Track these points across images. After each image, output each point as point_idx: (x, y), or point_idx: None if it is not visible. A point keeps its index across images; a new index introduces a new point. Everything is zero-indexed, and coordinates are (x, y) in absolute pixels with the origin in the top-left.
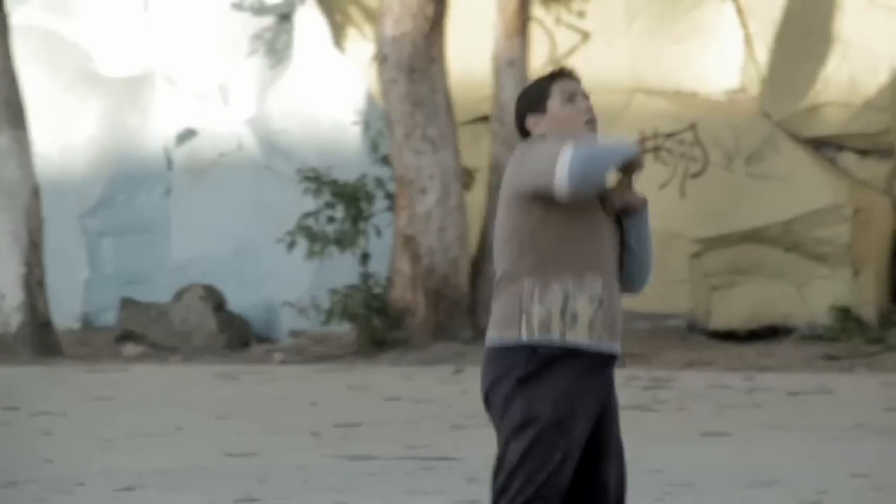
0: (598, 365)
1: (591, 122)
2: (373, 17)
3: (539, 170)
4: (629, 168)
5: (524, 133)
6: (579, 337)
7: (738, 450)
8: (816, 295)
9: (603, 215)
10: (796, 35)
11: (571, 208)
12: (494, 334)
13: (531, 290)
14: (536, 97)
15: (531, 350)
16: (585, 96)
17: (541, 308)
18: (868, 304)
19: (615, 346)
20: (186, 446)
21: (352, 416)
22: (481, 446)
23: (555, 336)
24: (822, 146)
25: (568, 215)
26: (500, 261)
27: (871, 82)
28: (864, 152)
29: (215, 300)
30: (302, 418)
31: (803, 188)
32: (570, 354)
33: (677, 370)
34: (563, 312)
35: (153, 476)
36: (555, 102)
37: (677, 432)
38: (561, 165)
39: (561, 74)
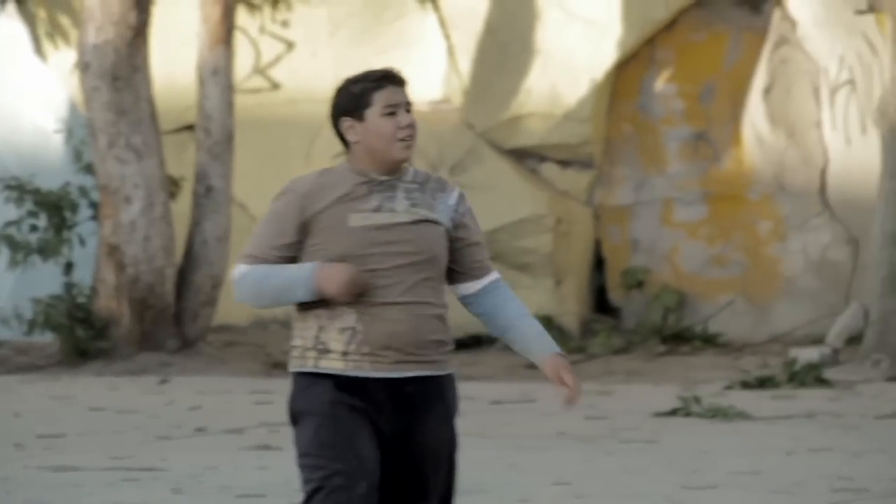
0: (361, 388)
1: (407, 140)
2: (75, 24)
3: None
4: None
5: (338, 130)
6: (332, 364)
7: None
8: None
9: (387, 244)
10: (498, 46)
11: (326, 254)
12: None
13: (295, 324)
14: (356, 102)
15: (293, 380)
16: (408, 109)
17: (300, 341)
18: (570, 314)
19: (382, 373)
20: None
21: (56, 427)
22: (187, 457)
23: (308, 365)
24: (525, 157)
25: (325, 256)
26: None
27: (572, 93)
28: (565, 163)
29: None
30: (4, 429)
31: (506, 198)
32: (323, 378)
33: None
34: (315, 343)
35: None
36: (374, 113)
37: None
38: (234, 281)
39: (388, 80)
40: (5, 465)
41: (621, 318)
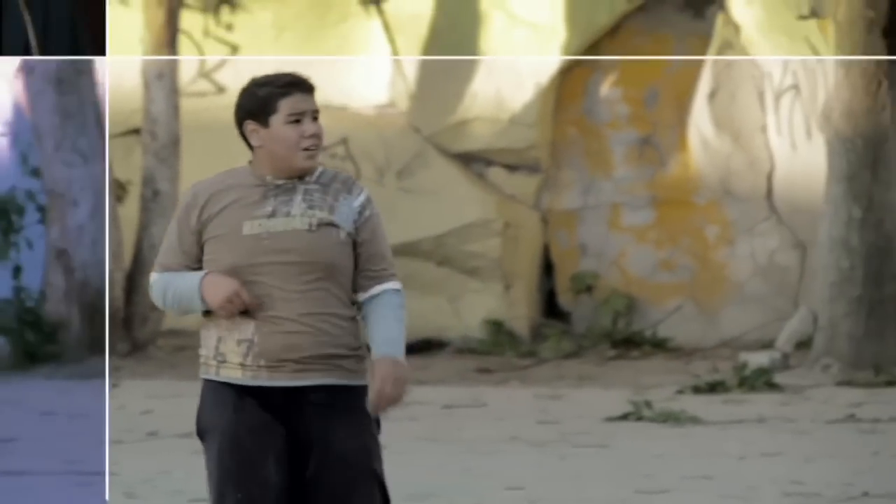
0: (263, 396)
1: (312, 149)
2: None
3: None
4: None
5: (242, 132)
6: (231, 374)
7: (395, 463)
8: (469, 309)
9: (280, 252)
10: (443, 50)
11: (219, 263)
12: None
13: (201, 332)
14: (261, 106)
15: (202, 387)
16: (315, 117)
17: (204, 350)
18: (520, 318)
19: (280, 382)
20: None
21: (7, 432)
22: (139, 461)
23: (211, 373)
24: (472, 161)
25: (218, 265)
26: None
27: (517, 98)
28: (512, 167)
29: None
30: None
31: (454, 203)
32: (226, 386)
33: None
34: (215, 353)
35: None
36: (278, 120)
37: None
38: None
39: (296, 87)
40: None
41: (571, 322)
